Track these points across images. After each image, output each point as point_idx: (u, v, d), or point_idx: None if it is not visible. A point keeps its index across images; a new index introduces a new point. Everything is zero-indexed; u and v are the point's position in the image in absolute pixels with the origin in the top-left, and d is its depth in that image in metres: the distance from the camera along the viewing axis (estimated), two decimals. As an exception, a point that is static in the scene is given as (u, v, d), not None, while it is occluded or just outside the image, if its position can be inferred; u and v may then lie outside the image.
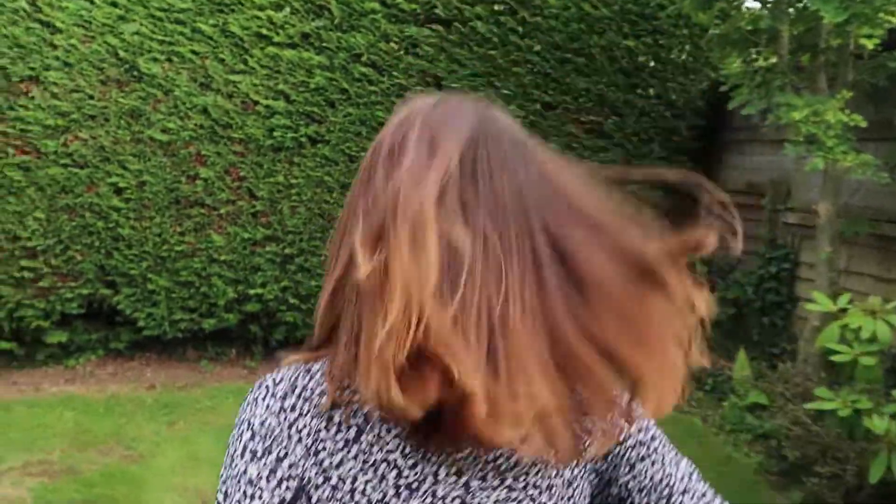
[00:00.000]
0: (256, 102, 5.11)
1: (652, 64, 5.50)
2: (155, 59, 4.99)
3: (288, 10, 5.08)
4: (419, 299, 0.63)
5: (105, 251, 5.05)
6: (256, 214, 5.20)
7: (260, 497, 0.73)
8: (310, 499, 0.74)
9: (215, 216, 5.15)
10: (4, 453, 4.16)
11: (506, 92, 5.27)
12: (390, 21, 5.18)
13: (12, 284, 4.99)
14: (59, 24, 4.88)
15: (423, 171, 0.71)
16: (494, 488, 0.76)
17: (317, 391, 0.75)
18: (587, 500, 0.84)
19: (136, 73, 4.97)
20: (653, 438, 0.87)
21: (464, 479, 0.75)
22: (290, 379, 0.78)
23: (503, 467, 0.76)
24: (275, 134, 5.11)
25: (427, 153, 0.72)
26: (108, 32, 4.95)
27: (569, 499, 0.81)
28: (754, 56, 4.87)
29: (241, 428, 0.77)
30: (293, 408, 0.75)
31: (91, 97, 4.96)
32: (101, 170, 4.99)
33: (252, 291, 5.21)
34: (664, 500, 0.84)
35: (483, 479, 0.76)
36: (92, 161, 4.97)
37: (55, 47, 4.91)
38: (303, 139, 5.16)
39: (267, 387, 0.78)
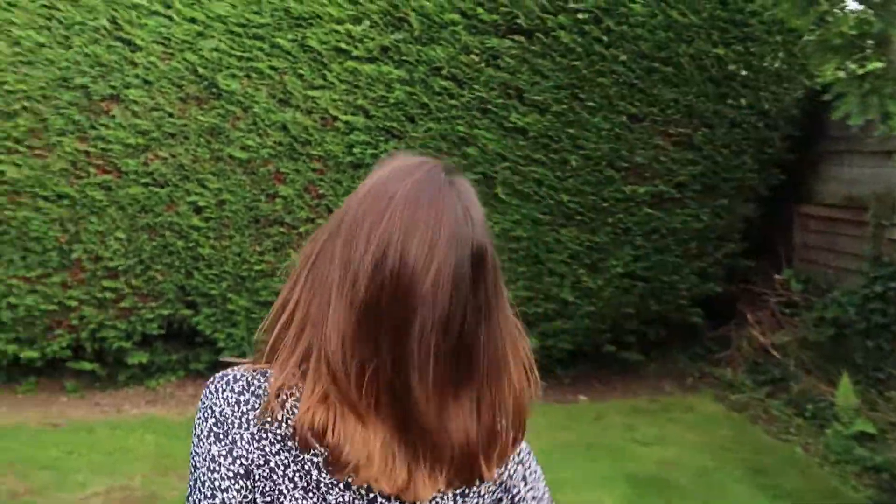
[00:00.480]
0: (335, 118, 5.00)
1: (743, 72, 5.24)
2: (234, 76, 4.92)
3: (367, 23, 4.96)
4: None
5: (185, 271, 5.00)
6: (335, 232, 5.09)
7: (218, 471, 0.90)
8: (253, 477, 0.90)
9: (294, 235, 5.06)
10: (88, 478, 4.11)
11: (590, 104, 5.08)
12: (471, 33, 5.02)
13: (94, 305, 4.97)
14: (139, 42, 4.84)
15: None
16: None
17: (267, 395, 0.90)
18: None
19: (214, 89, 4.91)
20: (536, 472, 1.08)
21: (372, 495, 0.91)
22: (246, 378, 0.93)
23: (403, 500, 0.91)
24: (354, 150, 5.00)
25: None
26: (188, 49, 4.88)
27: None
28: (857, 62, 4.59)
29: (206, 413, 0.92)
30: (246, 402, 0.91)
31: (171, 115, 4.90)
32: (180, 188, 4.93)
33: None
34: None
35: (388, 499, 0.91)
36: (172, 180, 4.92)
37: (135, 65, 4.87)
38: (382, 155, 5.03)
39: (227, 381, 0.93)
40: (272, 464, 0.90)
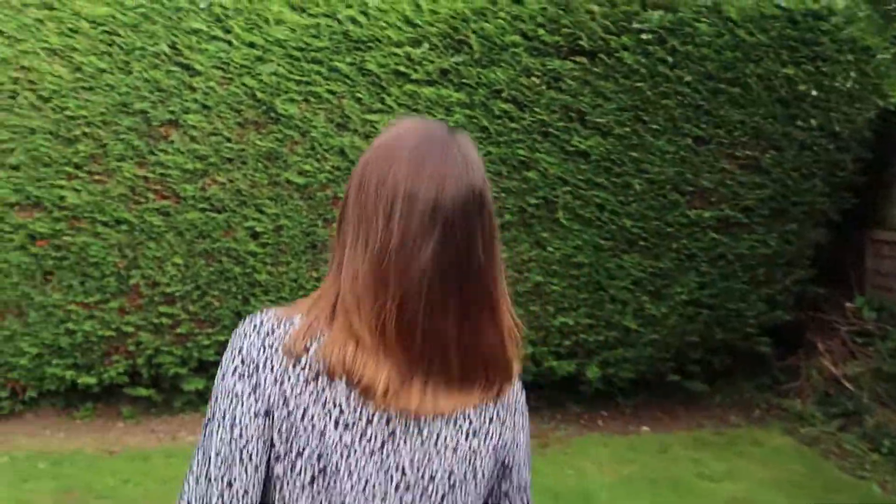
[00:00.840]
0: (394, 142, 4.92)
1: (813, 93, 5.06)
2: (292, 100, 4.87)
3: (426, 45, 4.88)
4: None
5: (242, 297, 4.94)
6: (393, 258, 5.01)
7: (241, 406, 0.96)
8: (272, 417, 0.96)
9: (351, 260, 4.98)
10: (145, 508, 4.06)
11: (654, 126, 4.94)
12: (532, 54, 4.92)
13: (151, 331, 4.94)
14: (198, 67, 4.82)
15: None
16: (412, 437, 1.00)
17: (292, 338, 0.97)
18: (488, 471, 1.06)
19: (273, 114, 4.86)
20: (519, 447, 1.12)
21: (391, 425, 0.99)
22: (272, 323, 0.99)
23: (422, 422, 1.00)
24: (412, 175, 4.91)
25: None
26: (246, 74, 4.85)
27: (470, 462, 1.03)
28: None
29: (234, 352, 1.00)
30: (271, 346, 0.97)
31: (228, 140, 4.87)
32: (238, 214, 4.89)
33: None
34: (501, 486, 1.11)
35: (406, 428, 0.99)
36: (229, 205, 4.88)
37: (194, 90, 4.85)
38: (441, 180, 4.94)
39: (255, 325, 1.00)
40: (291, 406, 0.96)
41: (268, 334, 0.99)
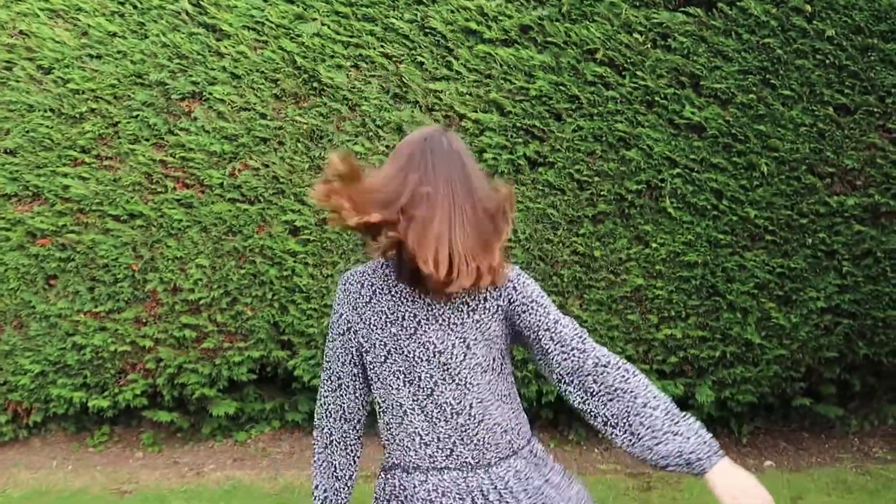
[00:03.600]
0: (462, 116, 4.03)
1: None
2: (339, 66, 4.00)
3: (502, -4, 3.97)
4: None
5: (279, 304, 4.10)
6: (462, 258, 4.11)
7: (333, 329, 1.65)
8: (353, 329, 1.61)
9: (411, 260, 4.10)
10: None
11: (786, 93, 3.95)
12: (634, 6, 3.98)
13: (172, 345, 4.13)
14: (226, 28, 3.98)
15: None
16: (432, 322, 1.55)
17: (359, 279, 1.62)
18: (500, 332, 1.59)
19: (316, 83, 4.00)
20: (532, 300, 1.58)
21: (417, 318, 1.56)
22: (350, 273, 1.64)
23: (437, 311, 1.55)
24: (485, 155, 4.01)
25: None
26: (284, 35, 4.00)
27: (476, 330, 1.56)
28: None
29: (334, 303, 1.67)
30: (346, 290, 1.63)
31: (263, 116, 4.02)
32: (274, 205, 4.04)
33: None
34: (535, 336, 1.58)
35: (427, 317, 1.55)
36: (264, 195, 4.03)
37: (221, 56, 4.01)
38: (520, 161, 4.03)
39: (342, 280, 1.65)
40: (362, 319, 1.60)
41: (347, 281, 1.64)
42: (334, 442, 1.68)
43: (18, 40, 4.03)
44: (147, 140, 4.02)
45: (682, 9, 3.98)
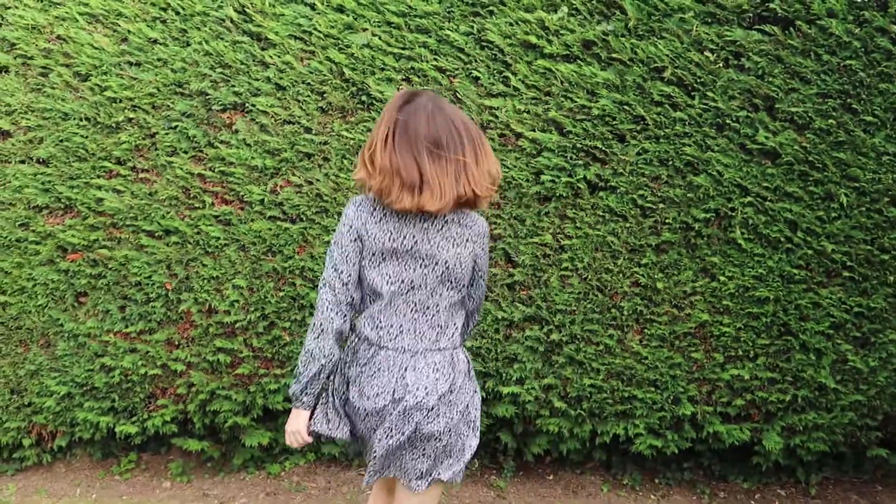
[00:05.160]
0: (519, 135, 3.78)
1: None
2: (389, 80, 3.77)
3: (565, 9, 3.73)
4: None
5: (319, 331, 3.85)
6: (514, 286, 3.86)
7: (344, 236, 2.17)
8: (362, 239, 2.16)
9: (460, 287, 3.85)
10: None
11: (868, 118, 3.67)
12: (706, 22, 3.72)
13: (205, 370, 3.90)
14: (271, 37, 3.77)
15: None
16: (424, 242, 2.15)
17: (371, 203, 2.17)
18: (467, 261, 2.23)
19: (364, 97, 3.78)
20: (487, 245, 2.31)
21: (415, 238, 2.15)
22: (361, 198, 2.20)
23: (429, 233, 2.16)
24: (543, 178, 3.76)
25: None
26: (332, 46, 3.78)
27: (455, 254, 2.19)
28: None
29: (343, 219, 2.18)
30: (360, 209, 2.18)
31: (308, 130, 3.80)
32: (317, 224, 3.82)
33: (505, 389, 3.86)
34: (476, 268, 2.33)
35: (422, 237, 2.15)
36: (306, 213, 3.81)
37: (266, 66, 3.80)
38: (580, 185, 3.77)
39: (354, 202, 2.19)
40: (368, 231, 2.15)
41: (359, 204, 2.20)
42: (339, 323, 2.17)
43: (55, 45, 3.85)
44: (185, 152, 3.82)
45: (758, 26, 3.71)
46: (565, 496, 4.03)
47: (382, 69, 3.78)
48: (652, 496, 4.06)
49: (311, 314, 3.87)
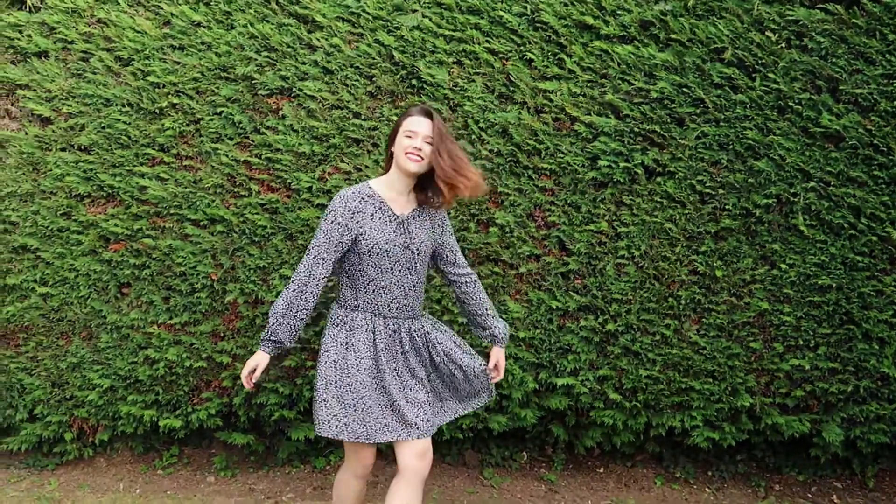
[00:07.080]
0: (575, 119, 3.68)
1: None
2: (440, 63, 3.67)
3: (622, -11, 3.61)
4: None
5: (368, 321, 3.75)
6: (569, 275, 3.76)
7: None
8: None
9: (513, 276, 3.76)
10: None
11: (935, 100, 3.56)
12: (767, 1, 3.61)
13: (252, 362, 3.79)
14: (319, 19, 3.66)
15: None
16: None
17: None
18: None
19: (414, 81, 3.67)
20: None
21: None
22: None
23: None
24: (599, 163, 3.65)
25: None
26: (381, 28, 3.67)
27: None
28: None
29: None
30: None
31: (357, 115, 3.70)
32: (366, 212, 3.70)
33: (559, 381, 3.76)
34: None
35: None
36: (355, 201, 3.69)
37: (313, 49, 3.70)
38: (637, 170, 3.66)
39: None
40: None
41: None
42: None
43: (96, 29, 3.74)
44: (231, 139, 3.71)
45: (821, 5, 3.60)
46: (618, 489, 3.94)
47: (433, 52, 3.67)
48: (707, 489, 3.97)
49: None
